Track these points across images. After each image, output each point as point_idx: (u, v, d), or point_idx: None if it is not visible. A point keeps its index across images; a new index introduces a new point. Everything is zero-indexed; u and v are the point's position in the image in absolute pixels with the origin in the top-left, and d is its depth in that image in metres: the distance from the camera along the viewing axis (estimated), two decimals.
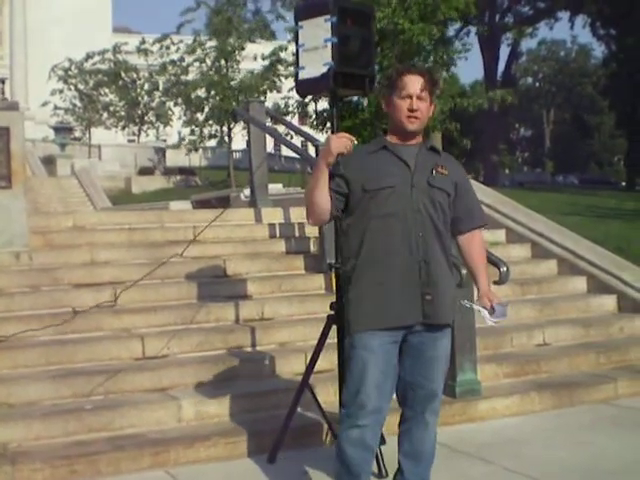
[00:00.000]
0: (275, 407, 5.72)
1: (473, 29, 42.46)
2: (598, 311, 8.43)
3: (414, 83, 4.01)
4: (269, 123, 15.78)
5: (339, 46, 4.92)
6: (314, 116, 27.75)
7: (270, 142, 12.41)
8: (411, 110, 4.00)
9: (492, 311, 4.11)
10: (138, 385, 5.96)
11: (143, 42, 39.79)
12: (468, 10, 30.12)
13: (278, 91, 31.44)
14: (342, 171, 4.02)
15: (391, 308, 3.94)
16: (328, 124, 6.17)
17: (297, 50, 5.23)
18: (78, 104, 47.94)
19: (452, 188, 4.10)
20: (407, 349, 4.05)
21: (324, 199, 4.01)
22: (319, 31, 4.97)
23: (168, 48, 36.42)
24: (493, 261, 6.44)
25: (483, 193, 10.45)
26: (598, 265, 8.83)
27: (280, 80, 33.06)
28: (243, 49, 33.80)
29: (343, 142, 3.95)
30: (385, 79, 4.30)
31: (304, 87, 5.35)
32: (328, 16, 4.93)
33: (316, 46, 5.01)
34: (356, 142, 4.01)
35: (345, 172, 4.03)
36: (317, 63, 5.00)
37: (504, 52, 52.76)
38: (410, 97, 4.00)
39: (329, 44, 4.93)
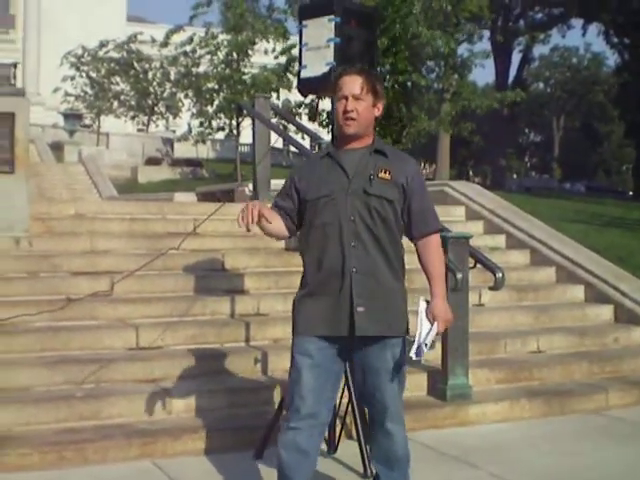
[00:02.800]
0: (266, 403, 5.75)
1: (486, 33, 42.51)
2: (594, 320, 8.44)
3: (349, 83, 3.89)
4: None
5: (342, 46, 4.96)
6: (324, 115, 27.76)
7: (278, 138, 12.40)
8: (345, 112, 3.87)
9: (430, 329, 3.89)
10: (130, 375, 5.98)
11: (166, 37, 39.33)
12: (482, 14, 30.22)
13: (289, 89, 31.40)
14: (289, 186, 4.04)
15: (321, 318, 3.89)
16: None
17: (300, 49, 5.27)
18: (89, 91, 48.01)
19: (395, 193, 3.92)
20: (355, 359, 3.99)
21: (274, 231, 4.04)
22: (323, 31, 5.02)
23: (190, 43, 36.26)
24: (489, 267, 6.48)
25: (484, 198, 10.50)
26: (596, 274, 8.83)
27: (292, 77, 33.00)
28: (254, 44, 33.74)
29: (247, 218, 3.79)
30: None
31: (306, 86, 5.39)
32: (332, 16, 4.98)
33: (319, 46, 5.06)
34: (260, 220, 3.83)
35: (297, 183, 4.02)
36: (319, 62, 5.04)
37: (516, 57, 52.77)
38: (345, 98, 3.89)
39: (332, 44, 4.97)
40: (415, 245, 4.08)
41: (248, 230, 3.82)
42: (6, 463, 4.91)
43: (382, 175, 3.89)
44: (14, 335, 6.24)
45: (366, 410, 4.22)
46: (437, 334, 3.94)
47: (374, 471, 4.85)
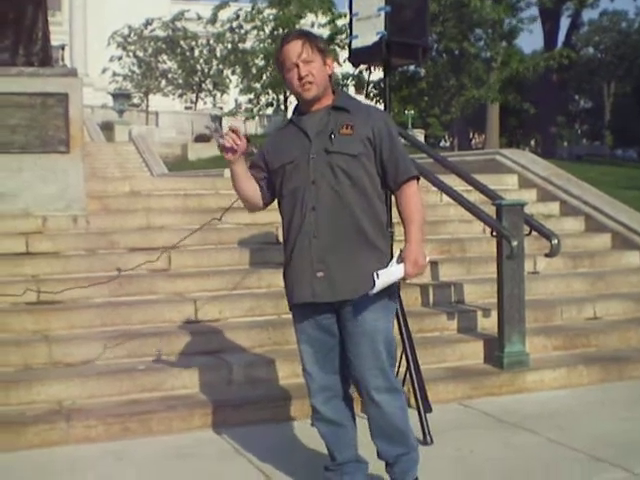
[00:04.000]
0: None
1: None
2: None
3: (293, 50, 3.76)
4: None
5: (392, 15, 4.96)
6: (370, 86, 27.64)
7: None
8: (300, 78, 3.75)
9: (396, 269, 3.74)
10: (190, 347, 6.07)
11: (215, 15, 39.30)
12: None
13: (337, 62, 31.24)
14: (258, 158, 3.98)
15: (292, 286, 3.87)
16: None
17: (350, 19, 5.27)
18: (136, 71, 48.41)
19: (359, 147, 3.76)
20: (340, 325, 3.86)
21: (248, 192, 3.98)
22: (373, 0, 5.00)
23: (236, 19, 36.32)
24: (544, 233, 6.46)
25: (537, 165, 10.43)
26: None
27: (339, 49, 32.88)
28: (302, 18, 33.69)
29: (226, 140, 3.77)
30: (274, 60, 4.04)
31: (357, 56, 5.39)
32: None
33: (369, 15, 5.06)
34: (242, 134, 3.78)
35: (265, 155, 3.96)
36: (370, 32, 5.04)
37: (564, 23, 51.91)
38: (296, 65, 3.75)
39: (382, 13, 4.96)
40: (395, 196, 3.94)
41: (233, 150, 3.77)
42: (73, 435, 5.05)
43: (344, 131, 3.77)
44: (75, 311, 6.38)
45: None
46: (405, 278, 3.79)
47: (432, 439, 4.92)
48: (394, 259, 3.78)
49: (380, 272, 3.70)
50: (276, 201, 4.02)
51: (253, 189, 3.98)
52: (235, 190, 4.01)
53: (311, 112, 3.85)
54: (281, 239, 7.74)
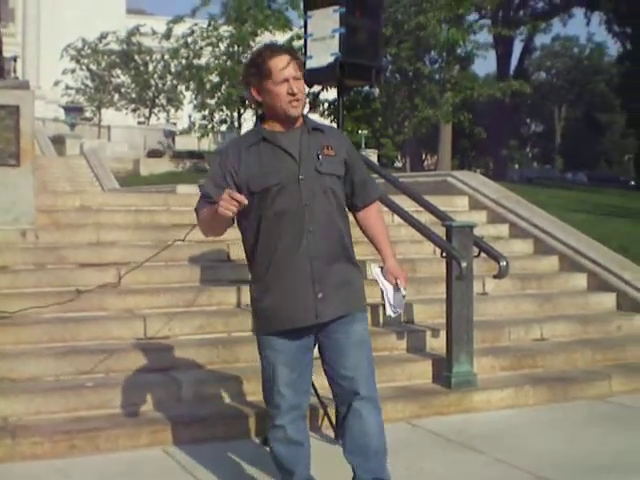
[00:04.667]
0: None
1: (487, 23, 42.42)
2: (597, 309, 8.49)
3: (283, 64, 3.71)
4: None
5: (346, 37, 5.01)
6: (325, 105, 27.70)
7: None
8: (292, 94, 3.70)
9: (397, 290, 3.97)
10: (139, 364, 6.03)
11: (169, 30, 39.11)
12: (484, 4, 30.29)
13: None
14: (223, 179, 3.75)
15: (284, 311, 3.77)
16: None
17: (305, 40, 5.31)
18: (89, 84, 48.05)
19: (341, 168, 3.86)
20: (322, 341, 3.88)
21: (224, 228, 3.84)
22: (327, 21, 5.07)
23: (191, 34, 36.27)
24: (493, 255, 6.53)
25: (488, 187, 10.54)
26: (599, 263, 8.87)
27: None
28: (257, 35, 33.73)
29: (226, 209, 3.50)
30: (251, 66, 3.84)
31: (311, 76, 5.39)
32: (337, 7, 5.02)
33: (324, 36, 5.11)
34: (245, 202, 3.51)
35: (235, 175, 3.75)
36: (324, 53, 5.09)
37: (517, 47, 52.65)
38: (287, 80, 3.70)
39: (337, 35, 5.02)
40: (356, 216, 4.07)
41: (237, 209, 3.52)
42: (18, 451, 4.98)
43: (327, 152, 3.81)
44: (23, 326, 6.29)
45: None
46: (403, 295, 4.03)
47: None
48: (382, 279, 3.98)
49: (398, 298, 3.98)
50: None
51: (226, 226, 3.83)
52: (211, 231, 3.90)
53: (286, 130, 3.80)
54: (233, 257, 7.79)
